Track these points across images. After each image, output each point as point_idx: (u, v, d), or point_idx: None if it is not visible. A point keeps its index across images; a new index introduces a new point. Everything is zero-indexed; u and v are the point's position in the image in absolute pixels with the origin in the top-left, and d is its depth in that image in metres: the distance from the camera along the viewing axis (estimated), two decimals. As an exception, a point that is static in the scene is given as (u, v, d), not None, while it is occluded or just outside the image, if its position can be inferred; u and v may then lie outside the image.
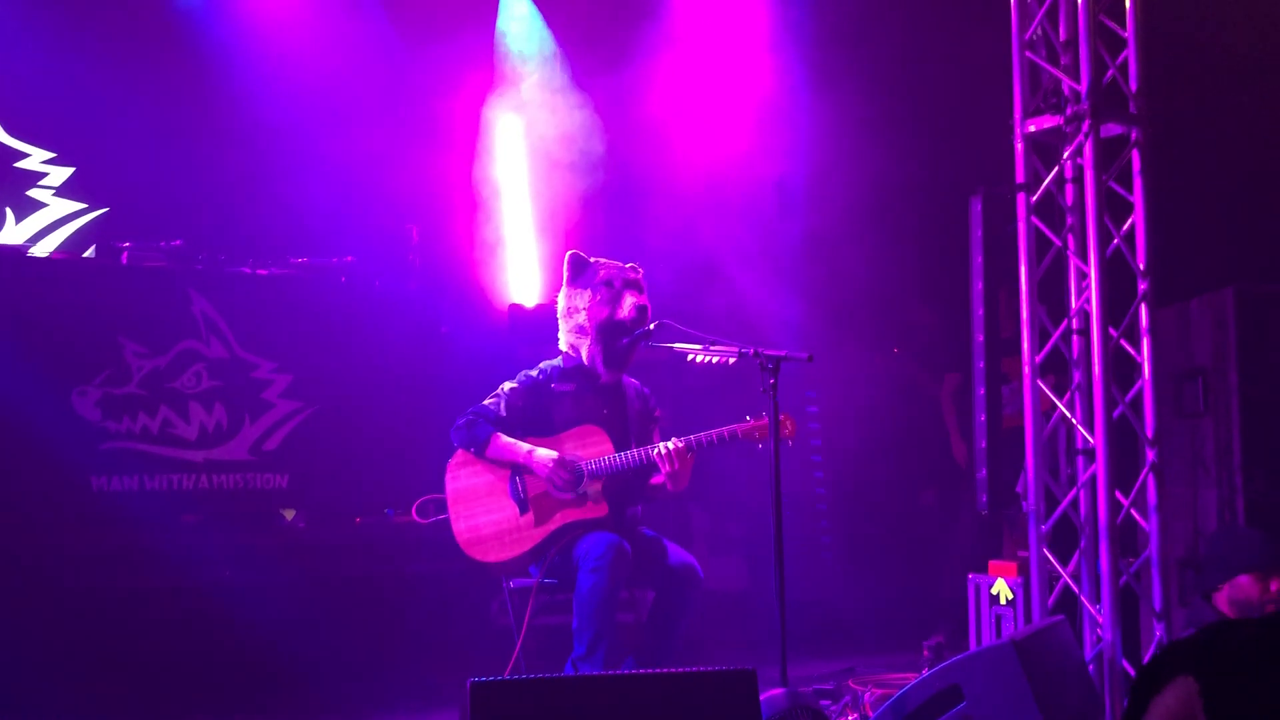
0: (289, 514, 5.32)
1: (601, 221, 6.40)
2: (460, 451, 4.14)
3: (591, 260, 4.23)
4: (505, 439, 4.07)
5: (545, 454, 4.01)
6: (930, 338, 6.71)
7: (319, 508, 5.37)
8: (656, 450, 3.93)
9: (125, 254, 5.20)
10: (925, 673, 3.96)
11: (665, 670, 3.01)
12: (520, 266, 6.71)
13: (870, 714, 3.91)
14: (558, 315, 4.27)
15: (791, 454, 3.68)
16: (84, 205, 5.95)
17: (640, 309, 4.12)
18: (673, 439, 3.94)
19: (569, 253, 4.24)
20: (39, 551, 4.68)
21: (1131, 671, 4.27)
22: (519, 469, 4.05)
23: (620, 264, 4.23)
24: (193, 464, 5.13)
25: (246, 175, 6.03)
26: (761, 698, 3.11)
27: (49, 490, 4.84)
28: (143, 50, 5.93)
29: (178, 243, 5.33)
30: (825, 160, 6.34)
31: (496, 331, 6.25)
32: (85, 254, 5.43)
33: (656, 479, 4.08)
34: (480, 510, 4.06)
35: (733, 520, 6.68)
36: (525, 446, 4.05)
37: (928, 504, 6.69)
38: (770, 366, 3.63)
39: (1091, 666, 4.17)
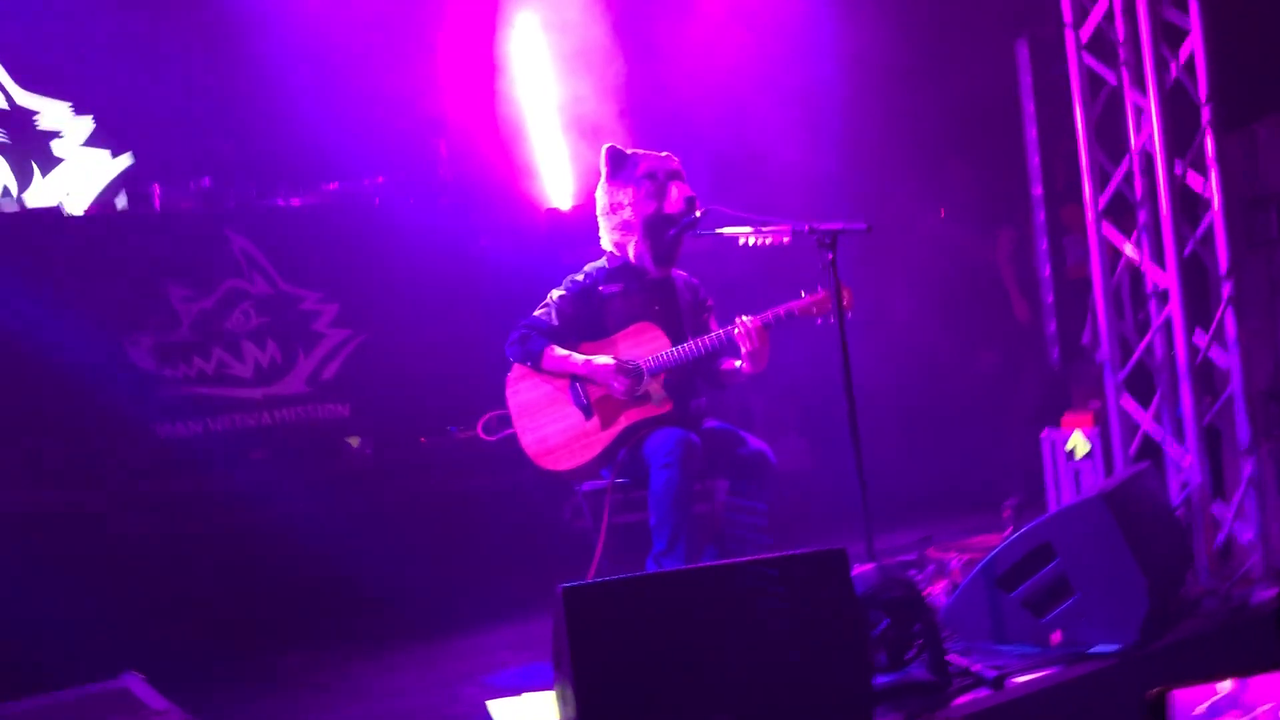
0: (354, 441, 5.34)
1: (631, 114, 6.22)
2: (517, 365, 4.09)
3: (629, 152, 4.11)
4: (559, 350, 4.01)
5: (602, 362, 3.95)
6: (975, 195, 6.52)
7: (383, 432, 5.39)
8: (735, 329, 3.86)
9: (157, 200, 5.15)
10: (1010, 533, 3.93)
11: (756, 557, 2.97)
12: (553, 170, 6.57)
13: (960, 579, 3.88)
14: (598, 213, 4.17)
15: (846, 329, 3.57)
16: (107, 152, 5.88)
17: (688, 199, 4.01)
18: (747, 315, 3.85)
19: (606, 146, 4.12)
20: (114, 504, 4.73)
21: (1220, 515, 4.20)
22: (578, 377, 4.00)
23: (657, 153, 4.11)
24: (253, 402, 5.15)
25: (266, 104, 5.88)
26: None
27: (116, 443, 4.88)
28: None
29: (206, 182, 5.27)
30: (858, 18, 6.08)
31: (536, 239, 6.16)
32: (118, 203, 5.38)
33: (728, 364, 4.02)
34: (546, 420, 4.03)
35: (790, 402, 6.63)
36: (580, 357, 3.99)
37: (988, 366, 6.59)
38: (828, 242, 3.52)
39: (1180, 511, 4.10)
